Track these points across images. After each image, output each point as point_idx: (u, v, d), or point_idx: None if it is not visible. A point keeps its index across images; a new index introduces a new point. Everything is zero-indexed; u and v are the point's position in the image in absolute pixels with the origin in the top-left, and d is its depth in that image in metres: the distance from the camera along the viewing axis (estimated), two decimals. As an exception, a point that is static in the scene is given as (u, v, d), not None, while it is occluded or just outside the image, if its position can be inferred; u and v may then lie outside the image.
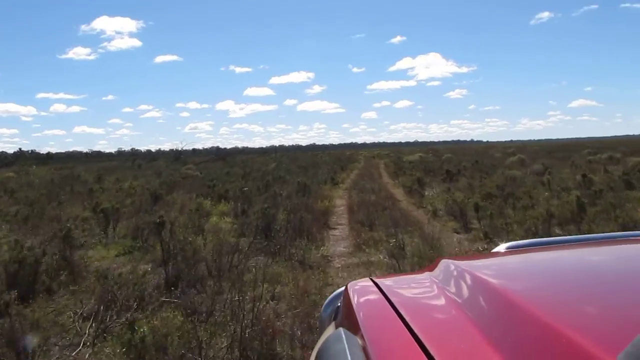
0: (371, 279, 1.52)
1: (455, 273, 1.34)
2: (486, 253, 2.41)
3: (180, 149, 60.62)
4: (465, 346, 0.94)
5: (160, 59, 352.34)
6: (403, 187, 21.00)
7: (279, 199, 15.93)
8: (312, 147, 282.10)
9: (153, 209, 15.60)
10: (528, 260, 1.56)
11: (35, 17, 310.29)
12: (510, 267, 1.49)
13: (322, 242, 10.61)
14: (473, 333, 0.96)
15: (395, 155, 66.15)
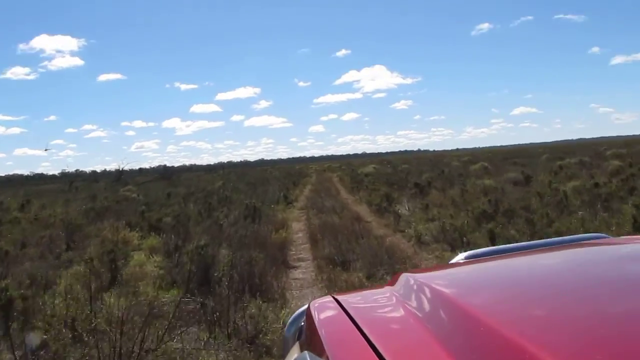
0: (333, 297, 1.50)
1: (415, 286, 1.33)
2: (445, 264, 1.97)
3: (121, 168, 56.38)
4: None
5: (103, 77, 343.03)
6: (368, 205, 18.12)
7: (224, 226, 12.90)
8: (261, 163, 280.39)
9: (70, 244, 12.59)
10: (485, 269, 1.55)
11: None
12: (468, 277, 1.49)
13: (281, 296, 7.49)
14: (434, 347, 0.96)
15: (347, 168, 63.53)
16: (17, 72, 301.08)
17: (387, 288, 1.50)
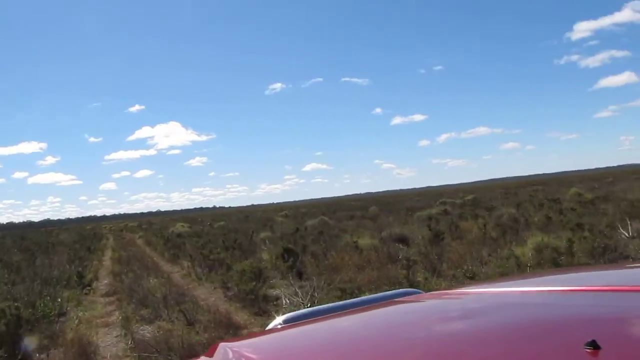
0: None
1: (233, 356, 1.29)
2: (263, 330, 1.87)
3: None
4: None
5: None
6: (224, 288, 11.27)
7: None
8: (47, 223, 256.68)
9: None
10: (302, 334, 1.52)
11: None
12: (285, 344, 1.46)
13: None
14: None
15: (149, 227, 55.11)
16: None
17: (203, 359, 1.45)
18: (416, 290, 1.96)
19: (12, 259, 22.80)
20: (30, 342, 5.27)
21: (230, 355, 1.30)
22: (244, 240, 21.85)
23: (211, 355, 1.41)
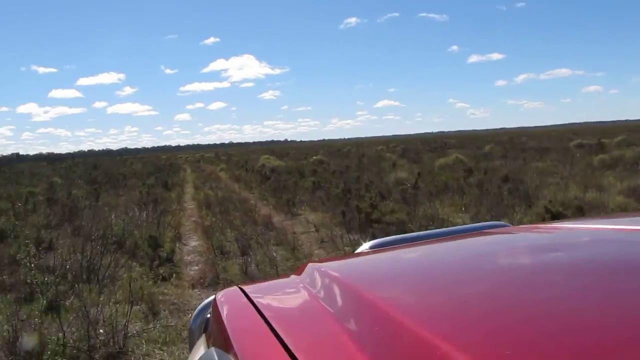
0: (239, 288, 1.42)
1: (320, 277, 1.29)
2: (351, 254, 2.05)
3: None
4: (334, 353, 0.92)
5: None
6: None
7: None
8: (124, 151, 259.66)
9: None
10: (391, 259, 1.56)
11: None
12: (374, 268, 1.47)
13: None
14: (343, 341, 0.93)
15: (227, 158, 49.45)
16: None
17: (292, 277, 1.47)
18: (503, 223, 1.93)
19: (68, 196, 17.17)
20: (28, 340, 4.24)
21: (317, 272, 1.32)
22: (377, 181, 15.52)
23: (300, 274, 1.44)
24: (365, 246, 1.72)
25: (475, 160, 22.94)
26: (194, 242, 9.96)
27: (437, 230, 1.88)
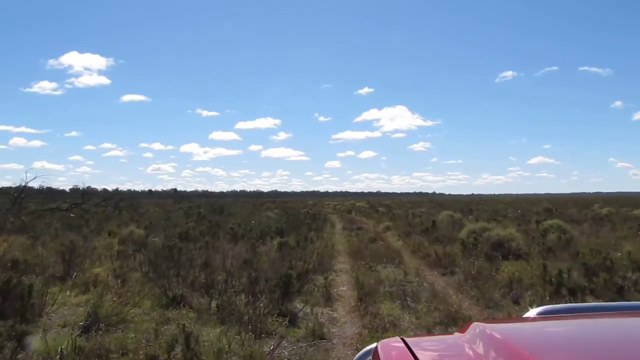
0: (402, 339, 1.40)
1: (485, 337, 1.25)
2: (518, 317, 1.92)
3: (23, 185, 29.97)
4: None
5: (127, 97, 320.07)
6: None
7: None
8: (274, 194, 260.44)
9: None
10: (563, 327, 1.47)
11: (0, 48, 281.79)
12: (544, 335, 1.39)
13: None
14: None
15: (386, 210, 39.37)
16: (45, 87, 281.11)
17: (456, 335, 1.41)
18: None
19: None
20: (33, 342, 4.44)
21: (484, 334, 1.25)
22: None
23: (463, 332, 1.37)
24: (533, 312, 1.62)
25: None
26: None
27: (613, 303, 1.70)
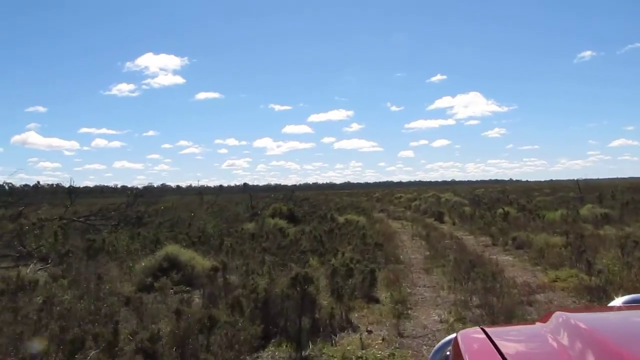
0: (482, 329, 1.33)
1: (568, 327, 1.17)
2: (602, 307, 1.95)
3: (72, 185, 22.41)
4: None
5: (201, 95, 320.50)
6: None
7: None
8: (347, 185, 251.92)
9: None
10: None
11: (81, 54, 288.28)
12: (632, 324, 1.26)
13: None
14: None
15: (474, 206, 28.99)
16: (122, 89, 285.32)
17: (538, 325, 1.34)
18: None
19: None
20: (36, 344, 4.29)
21: (567, 323, 1.19)
22: None
23: (545, 322, 1.32)
24: (618, 301, 1.56)
25: None
26: None
27: None
